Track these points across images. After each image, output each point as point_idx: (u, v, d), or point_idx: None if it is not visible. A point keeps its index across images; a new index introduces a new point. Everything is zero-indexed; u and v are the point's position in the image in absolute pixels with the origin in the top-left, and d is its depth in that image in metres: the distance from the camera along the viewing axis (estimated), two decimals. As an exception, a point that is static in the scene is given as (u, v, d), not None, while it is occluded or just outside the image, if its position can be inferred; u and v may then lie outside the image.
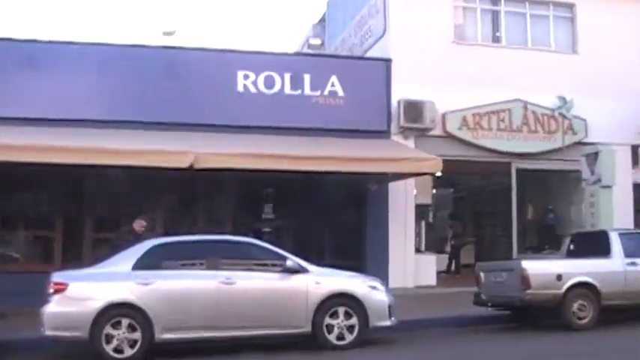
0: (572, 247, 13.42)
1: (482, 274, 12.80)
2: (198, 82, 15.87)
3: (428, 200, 18.17)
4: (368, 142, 16.05)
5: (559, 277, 11.71)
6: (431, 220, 19.70)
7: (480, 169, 18.53)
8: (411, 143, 17.13)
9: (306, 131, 16.02)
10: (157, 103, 15.52)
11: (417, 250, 17.55)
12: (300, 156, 14.16)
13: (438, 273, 17.88)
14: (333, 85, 16.66)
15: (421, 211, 17.97)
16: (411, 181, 16.95)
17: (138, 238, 11.69)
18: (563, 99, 18.24)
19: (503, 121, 17.86)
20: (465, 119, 17.62)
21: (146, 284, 10.01)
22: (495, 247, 19.98)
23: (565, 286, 11.65)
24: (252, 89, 16.17)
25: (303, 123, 16.23)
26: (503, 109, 17.88)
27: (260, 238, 12.53)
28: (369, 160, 14.77)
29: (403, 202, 17.02)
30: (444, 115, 17.48)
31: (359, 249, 16.61)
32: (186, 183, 15.19)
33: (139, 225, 12.74)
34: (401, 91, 16.98)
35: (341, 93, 16.68)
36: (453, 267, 20.22)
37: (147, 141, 14.08)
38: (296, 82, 16.44)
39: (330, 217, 16.71)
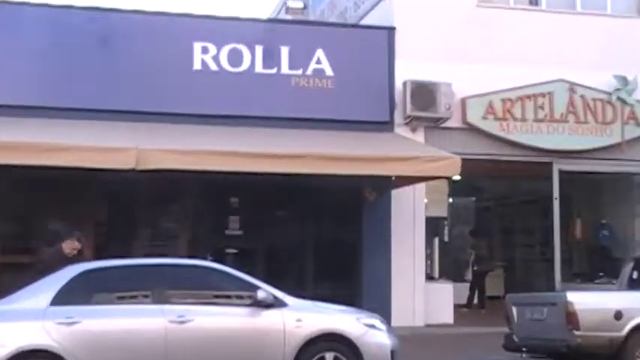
0: (635, 274, 13.29)
1: (514, 310, 12.69)
2: (141, 58, 15.78)
3: (443, 212, 18.10)
4: (364, 136, 16.01)
5: (618, 314, 11.53)
6: (447, 238, 19.80)
7: (512, 171, 18.45)
8: (420, 137, 17.08)
9: (283, 122, 15.97)
10: (86, 85, 15.41)
11: (429, 278, 17.47)
12: (276, 154, 14.07)
13: (456, 307, 17.83)
14: (319, 62, 16.62)
15: (434, 226, 17.91)
16: (421, 187, 16.86)
17: (67, 263, 11.25)
18: (623, 79, 18.23)
19: (542, 108, 17.75)
20: (491, 106, 17.51)
21: (69, 324, 9.76)
22: (532, 274, 20.02)
23: (627, 328, 11.46)
24: (213, 66, 16.12)
25: (279, 111, 16.18)
26: (542, 93, 17.78)
27: (223, 262, 12.44)
28: (366, 160, 14.65)
29: (410, 215, 16.93)
30: (463, 101, 17.40)
31: (352, 276, 16.54)
32: (127, 189, 15.07)
33: (70, 246, 12.29)
34: (408, 69, 16.89)
35: (329, 72, 16.64)
36: (475, 300, 20.16)
37: (74, 134, 13.90)
38: (270, 58, 16.37)
39: (315, 233, 16.69)
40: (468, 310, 19.35)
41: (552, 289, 16.71)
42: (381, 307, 13.65)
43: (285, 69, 16.46)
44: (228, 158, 13.71)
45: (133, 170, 13.29)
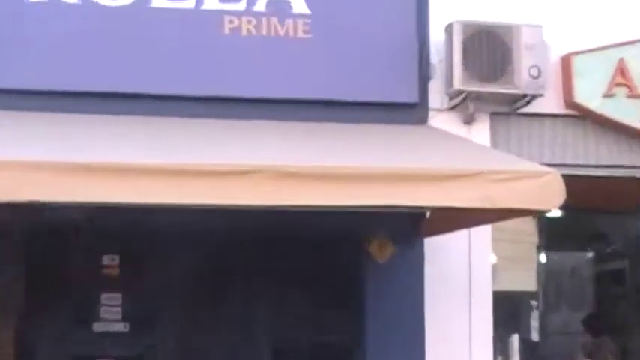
0: None
1: None
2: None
3: (529, 284, 17.53)
4: (371, 133, 15.15)
5: None
6: (536, 334, 19.16)
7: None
8: (481, 134, 16.07)
9: (211, 105, 15.08)
10: None
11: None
12: (198, 169, 12.32)
13: None
14: (282, -11, 15.92)
15: (511, 310, 17.50)
16: (484, 233, 15.84)
17: None
18: None
19: None
20: (622, 70, 16.40)
21: None
22: None
23: None
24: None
25: (203, 84, 15.23)
26: None
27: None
28: (374, 179, 13.01)
29: (463, 288, 15.92)
30: (566, 61, 16.36)
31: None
32: None
33: None
34: (454, 1, 16.03)
35: (301, 7, 15.74)
36: None
37: None
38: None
39: (277, 324, 16.22)
40: None
41: None
42: None
43: (215, 2, 15.46)
44: (109, 176, 11.79)
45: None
